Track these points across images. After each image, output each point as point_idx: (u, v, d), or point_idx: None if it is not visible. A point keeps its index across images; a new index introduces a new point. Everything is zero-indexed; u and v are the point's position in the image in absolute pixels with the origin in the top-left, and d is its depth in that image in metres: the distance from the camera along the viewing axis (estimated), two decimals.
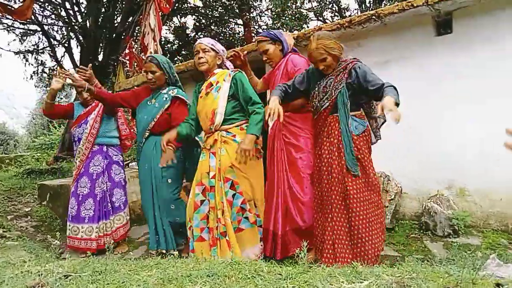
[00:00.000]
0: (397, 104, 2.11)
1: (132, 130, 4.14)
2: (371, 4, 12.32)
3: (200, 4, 6.42)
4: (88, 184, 3.65)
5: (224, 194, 2.56)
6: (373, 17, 3.43)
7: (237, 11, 10.51)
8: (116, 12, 9.68)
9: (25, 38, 10.21)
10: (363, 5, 12.54)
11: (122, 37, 8.90)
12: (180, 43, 12.30)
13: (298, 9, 10.37)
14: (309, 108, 2.82)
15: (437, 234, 3.27)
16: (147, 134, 3.19)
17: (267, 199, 2.84)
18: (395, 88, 2.25)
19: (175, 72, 3.31)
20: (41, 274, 1.97)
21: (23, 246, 3.70)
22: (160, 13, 6.20)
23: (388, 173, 3.63)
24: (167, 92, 3.19)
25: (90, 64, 3.54)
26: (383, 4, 11.90)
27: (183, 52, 12.42)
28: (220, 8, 11.12)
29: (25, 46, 10.38)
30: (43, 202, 5.21)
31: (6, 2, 8.12)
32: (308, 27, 10.42)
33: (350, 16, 13.51)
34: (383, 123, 2.68)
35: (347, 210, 2.40)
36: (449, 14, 3.39)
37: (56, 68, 10.81)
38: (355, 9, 13.41)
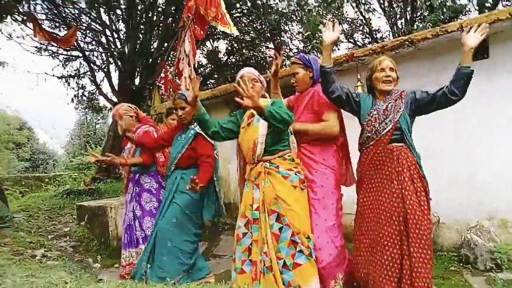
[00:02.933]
0: None
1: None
2: (403, 26, 12.22)
3: (236, 32, 6.55)
4: (124, 210, 3.80)
5: (269, 227, 2.47)
6: (406, 42, 3.42)
7: (268, 35, 10.70)
8: (152, 39, 10.09)
9: (67, 63, 10.78)
10: (395, 27, 12.46)
11: (158, 62, 9.24)
12: (212, 66, 12.62)
13: None
14: (335, 140, 2.81)
15: (478, 268, 3.13)
16: (173, 168, 3.31)
17: None
18: None
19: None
20: None
21: (63, 266, 3.83)
22: (194, 40, 6.41)
23: None
24: (194, 128, 3.29)
25: None
26: (415, 26, 11.78)
27: (215, 76, 12.73)
28: (251, 32, 11.37)
29: (67, 71, 10.96)
30: (81, 223, 5.40)
31: (51, 30, 8.69)
32: (339, 49, 10.45)
33: (381, 37, 13.46)
34: None
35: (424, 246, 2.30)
36: (485, 39, 3.32)
37: (95, 91, 11.33)
38: (387, 31, 13.34)
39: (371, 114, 2.54)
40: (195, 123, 3.25)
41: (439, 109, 2.46)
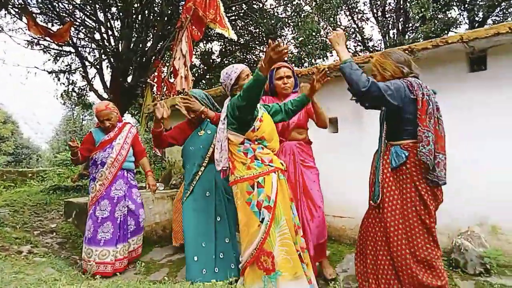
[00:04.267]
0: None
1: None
2: (395, 36, 12.43)
3: (235, 37, 6.56)
4: (109, 208, 3.70)
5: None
6: (407, 51, 3.47)
7: (263, 39, 10.76)
8: (147, 38, 10.04)
9: (59, 58, 10.64)
10: (387, 36, 12.67)
11: (152, 61, 9.19)
12: (205, 67, 12.61)
13: (323, 39, 10.54)
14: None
15: (468, 272, 3.18)
16: (206, 162, 3.29)
17: None
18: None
19: (214, 102, 3.45)
20: None
21: (50, 263, 3.76)
22: (191, 40, 6.43)
23: None
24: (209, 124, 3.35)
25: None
26: (406, 36, 12.00)
27: (207, 77, 12.72)
28: (246, 35, 11.42)
29: (58, 66, 10.82)
30: (68, 219, 5.31)
31: (45, 25, 8.56)
32: (332, 55, 10.56)
33: (373, 46, 13.67)
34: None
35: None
36: (483, 51, 3.41)
37: (86, 87, 11.20)
38: (379, 40, 13.56)
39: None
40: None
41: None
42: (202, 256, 3.10)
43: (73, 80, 11.13)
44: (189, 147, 3.36)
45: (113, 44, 9.52)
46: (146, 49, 9.68)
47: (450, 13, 11.19)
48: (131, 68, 9.70)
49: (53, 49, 10.23)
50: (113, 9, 9.57)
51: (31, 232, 4.94)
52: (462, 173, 3.51)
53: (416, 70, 2.47)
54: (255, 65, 11.39)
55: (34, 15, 8.04)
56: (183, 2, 7.02)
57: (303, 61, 10.24)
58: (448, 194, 3.58)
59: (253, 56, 12.08)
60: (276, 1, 11.06)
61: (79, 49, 9.88)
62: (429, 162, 2.24)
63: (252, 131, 2.59)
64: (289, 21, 10.67)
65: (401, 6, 11.96)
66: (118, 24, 9.91)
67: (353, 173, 4.24)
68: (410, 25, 12.33)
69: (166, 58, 10.28)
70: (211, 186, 3.26)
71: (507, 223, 3.29)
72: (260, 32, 10.77)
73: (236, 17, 10.86)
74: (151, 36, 9.91)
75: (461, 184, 3.49)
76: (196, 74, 11.92)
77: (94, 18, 9.41)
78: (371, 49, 13.15)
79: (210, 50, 12.54)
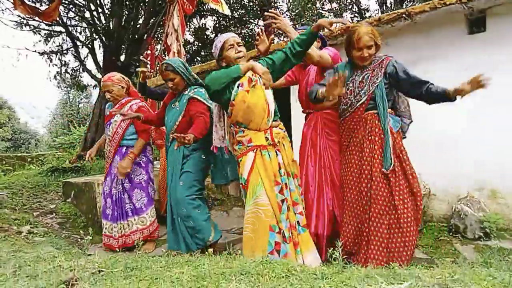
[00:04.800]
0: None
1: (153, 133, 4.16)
2: (392, 5, 12.16)
3: (228, 12, 6.38)
4: (109, 184, 3.74)
5: (297, 188, 2.60)
6: (403, 15, 3.37)
7: (258, 12, 10.52)
8: (138, 14, 9.80)
9: (49, 39, 10.41)
10: (384, 6, 12.40)
11: (144, 38, 9.00)
12: (200, 44, 12.37)
13: (318, 11, 10.31)
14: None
15: (467, 237, 3.19)
16: (171, 138, 3.15)
17: (309, 200, 2.85)
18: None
19: (192, 72, 3.24)
20: (74, 269, 1.99)
21: (50, 242, 3.77)
22: (183, 15, 6.25)
23: (417, 173, 3.55)
24: (188, 93, 3.15)
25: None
26: (404, 5, 11.74)
27: (202, 53, 12.50)
28: (240, 9, 11.15)
29: (49, 47, 10.60)
30: (67, 200, 5.29)
31: (33, 4, 8.33)
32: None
33: (370, 17, 13.40)
34: (410, 123, 2.71)
35: (391, 211, 2.38)
36: (482, 12, 3.31)
37: (79, 67, 11.01)
38: (375, 10, 13.27)
39: (347, 87, 2.55)
40: (189, 89, 3.15)
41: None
42: (169, 226, 3.21)
43: (65, 61, 10.94)
44: (166, 118, 3.28)
45: (104, 22, 9.30)
46: (138, 26, 9.47)
47: None
48: (123, 46, 9.52)
49: (43, 29, 10.00)
50: None
51: (30, 213, 4.93)
52: (461, 139, 3.48)
53: None
54: (250, 39, 11.17)
55: None
56: None
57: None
58: (447, 161, 3.58)
59: (248, 30, 11.84)
60: None
61: (70, 28, 9.65)
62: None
63: (229, 117, 2.59)
64: None
65: None
66: (108, 1, 9.65)
67: None
68: None
69: (159, 35, 10.06)
70: (171, 161, 3.21)
71: (506, 187, 3.28)
72: (254, 5, 10.51)
73: None
74: (143, 12, 9.67)
75: (459, 150, 3.47)
76: (191, 51, 11.71)
77: None
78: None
79: (204, 26, 12.28)
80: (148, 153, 3.84)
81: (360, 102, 2.50)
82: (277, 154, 2.53)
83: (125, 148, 3.72)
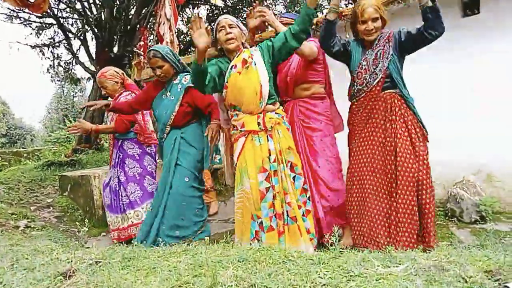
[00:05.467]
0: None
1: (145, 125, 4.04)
2: None
3: (221, 4, 6.34)
4: (109, 175, 3.81)
5: (288, 177, 2.47)
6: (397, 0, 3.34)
7: (251, 0, 10.41)
8: (130, 4, 9.67)
9: (41, 31, 10.28)
10: None
11: (137, 28, 8.90)
12: None
13: None
14: (326, 94, 2.95)
15: (464, 221, 3.21)
16: (168, 129, 3.09)
17: None
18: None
19: (180, 59, 3.15)
20: (71, 261, 1.99)
21: (47, 236, 3.78)
22: (175, 4, 6.17)
23: None
24: (180, 82, 3.06)
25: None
26: None
27: None
28: None
29: (41, 40, 10.47)
30: (64, 193, 5.28)
31: None
32: (323, 14, 10.25)
33: None
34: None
35: (414, 193, 2.33)
36: None
37: (71, 60, 10.88)
38: None
39: (361, 66, 2.49)
40: (179, 77, 3.08)
41: (420, 48, 2.44)
42: (150, 219, 3.09)
43: (58, 54, 10.83)
44: (155, 111, 3.16)
45: (95, 13, 9.17)
46: (130, 16, 9.34)
47: None
48: (116, 37, 9.40)
49: (34, 21, 9.87)
50: None
51: (27, 208, 4.92)
52: (456, 123, 3.48)
53: None
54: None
55: None
56: None
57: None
58: (443, 145, 3.58)
59: (241, 19, 11.72)
60: None
61: (61, 20, 9.52)
62: None
63: (224, 100, 2.56)
64: None
65: None
66: None
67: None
68: None
69: (151, 25, 9.95)
70: (167, 153, 3.10)
71: (502, 170, 3.29)
72: None
73: None
74: (134, 2, 9.54)
75: (455, 135, 3.47)
76: (184, 42, 11.58)
77: None
78: None
79: (197, 16, 12.14)
80: (144, 145, 3.78)
81: (377, 80, 2.42)
82: (268, 140, 2.48)
83: (120, 141, 3.72)
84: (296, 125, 2.90)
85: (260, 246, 2.22)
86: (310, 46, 2.74)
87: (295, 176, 2.51)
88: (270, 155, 2.46)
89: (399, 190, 2.33)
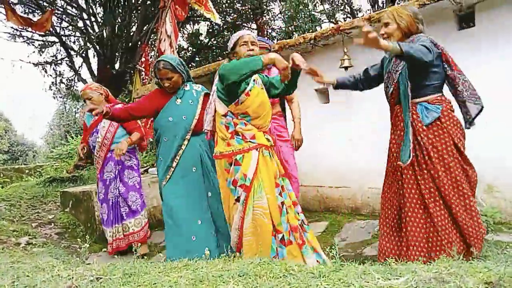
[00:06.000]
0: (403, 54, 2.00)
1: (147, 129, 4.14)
2: (384, 5, 12.22)
3: (218, 21, 6.45)
4: (103, 190, 3.81)
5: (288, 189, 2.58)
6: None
7: (251, 15, 10.56)
8: (131, 21, 9.83)
9: (43, 49, 10.44)
10: (376, 6, 12.46)
11: (138, 45, 9.02)
12: (194, 49, 12.39)
13: (311, 12, 10.34)
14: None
15: None
16: (190, 134, 2.95)
17: None
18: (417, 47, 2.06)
19: (187, 68, 3.08)
20: (72, 277, 1.99)
21: (49, 253, 3.78)
22: (175, 21, 6.27)
23: None
24: (192, 88, 3.04)
25: None
26: (396, 3, 11.80)
27: (197, 59, 12.51)
28: (233, 13, 11.18)
29: (43, 58, 10.63)
30: (65, 209, 5.29)
31: (25, 15, 8.34)
32: (321, 28, 10.39)
33: (362, 17, 13.44)
34: (480, 111, 2.36)
35: (421, 207, 2.30)
36: (471, 7, 3.34)
37: (74, 77, 11.02)
38: (368, 10, 13.33)
39: (386, 75, 2.49)
40: (189, 84, 3.05)
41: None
42: (202, 234, 2.89)
43: (60, 71, 10.98)
44: (167, 118, 2.95)
45: (97, 30, 9.32)
46: (131, 33, 9.49)
47: None
48: (117, 54, 9.53)
49: (37, 40, 10.03)
50: None
51: (29, 224, 4.92)
52: None
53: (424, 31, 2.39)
54: None
55: (12, 5, 7.81)
56: None
57: (291, 35, 10.06)
58: None
59: None
60: None
61: (63, 38, 9.67)
62: (479, 103, 2.30)
63: (236, 104, 2.46)
64: None
65: None
66: (101, 10, 9.67)
67: (347, 143, 4.22)
68: None
69: (152, 42, 10.09)
70: (196, 160, 2.97)
71: (502, 181, 3.29)
72: (246, 10, 10.55)
73: None
74: (136, 19, 9.70)
75: None
76: (185, 57, 11.72)
77: (76, 5, 9.18)
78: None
79: (197, 32, 12.30)
80: (137, 156, 3.96)
81: (389, 93, 2.42)
82: (272, 156, 2.57)
83: None
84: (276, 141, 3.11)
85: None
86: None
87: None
88: (277, 169, 2.55)
89: (403, 206, 2.35)
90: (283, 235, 2.38)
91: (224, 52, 11.13)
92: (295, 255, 2.37)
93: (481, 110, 2.34)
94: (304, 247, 2.41)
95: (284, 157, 3.29)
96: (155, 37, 8.99)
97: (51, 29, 8.48)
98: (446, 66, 2.29)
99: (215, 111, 2.59)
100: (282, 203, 2.45)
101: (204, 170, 2.98)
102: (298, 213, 2.54)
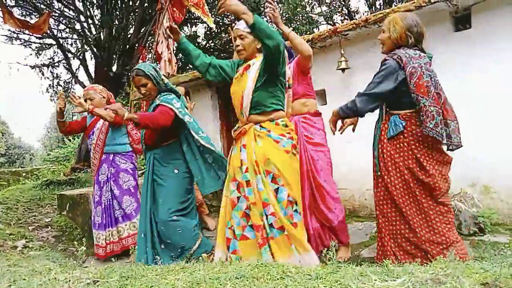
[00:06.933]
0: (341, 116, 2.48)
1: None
2: (382, 6, 12.28)
3: (213, 26, 6.49)
4: (98, 192, 3.79)
5: (269, 188, 2.36)
6: (389, 15, 3.41)
7: None
8: (129, 24, 9.82)
9: (40, 52, 10.42)
10: (373, 7, 12.51)
11: (136, 47, 9.01)
12: None
13: (308, 14, 10.38)
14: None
15: (462, 233, 3.20)
16: (144, 148, 3.14)
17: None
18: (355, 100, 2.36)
19: (162, 76, 3.06)
20: (69, 280, 1.98)
21: (45, 256, 3.75)
22: (173, 23, 6.27)
23: None
24: (156, 101, 3.00)
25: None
26: (393, 5, 11.85)
27: None
28: (230, 15, 11.19)
29: (41, 60, 10.60)
30: (62, 212, 5.27)
31: (23, 18, 8.32)
32: (319, 30, 10.43)
33: (360, 19, 13.48)
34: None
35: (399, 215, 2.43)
36: (467, 9, 3.36)
37: (71, 80, 10.99)
38: (365, 12, 13.39)
39: None
40: (159, 96, 3.01)
41: None
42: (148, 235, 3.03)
43: (57, 74, 10.95)
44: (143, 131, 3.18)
45: (94, 33, 9.30)
46: (129, 35, 9.48)
47: None
48: (115, 56, 9.51)
49: (34, 42, 10.01)
50: None
51: (25, 228, 4.90)
52: None
53: (422, 45, 2.38)
54: None
55: (9, 7, 7.79)
56: None
57: None
58: None
59: None
60: None
61: (61, 41, 9.65)
62: (437, 136, 2.21)
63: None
64: None
65: None
66: (98, 12, 9.65)
67: (345, 145, 4.23)
68: None
69: (150, 44, 10.08)
70: (148, 174, 3.08)
71: (498, 182, 3.30)
72: None
73: None
74: (133, 21, 9.69)
75: None
76: (183, 59, 11.71)
77: (73, 7, 9.17)
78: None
79: (195, 34, 12.30)
80: (134, 160, 3.93)
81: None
82: (240, 150, 2.45)
83: (112, 155, 3.76)
84: (302, 143, 2.91)
85: (229, 253, 2.39)
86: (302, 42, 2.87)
87: (278, 187, 2.38)
88: (242, 165, 2.43)
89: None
90: (234, 228, 2.42)
91: (222, 54, 11.15)
92: (251, 252, 2.34)
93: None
94: (263, 248, 2.32)
95: (315, 165, 2.90)
96: (153, 40, 8.98)
97: (48, 32, 8.44)
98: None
99: None
100: (239, 197, 2.42)
101: (157, 184, 3.03)
102: (266, 215, 2.33)
